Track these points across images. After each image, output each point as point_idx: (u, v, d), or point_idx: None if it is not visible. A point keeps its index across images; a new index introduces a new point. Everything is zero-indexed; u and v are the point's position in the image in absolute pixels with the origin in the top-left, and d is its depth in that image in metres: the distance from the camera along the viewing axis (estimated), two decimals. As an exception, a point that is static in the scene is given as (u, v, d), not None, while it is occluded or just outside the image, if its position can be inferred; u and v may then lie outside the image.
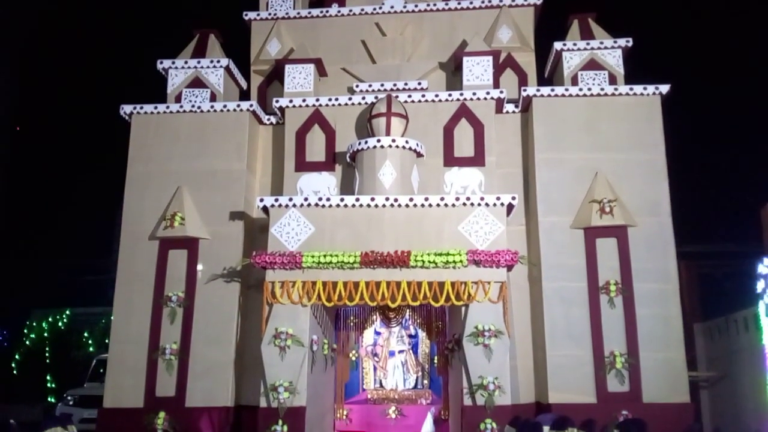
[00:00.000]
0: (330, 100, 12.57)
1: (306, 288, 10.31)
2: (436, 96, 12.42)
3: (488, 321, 9.96)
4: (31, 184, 35.56)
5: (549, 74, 13.50)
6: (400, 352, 14.25)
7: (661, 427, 8.09)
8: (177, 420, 10.84)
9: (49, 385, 20.49)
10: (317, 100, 12.59)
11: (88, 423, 12.90)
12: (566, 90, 12.08)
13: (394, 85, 12.86)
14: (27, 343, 21.48)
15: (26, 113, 36.89)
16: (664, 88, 11.92)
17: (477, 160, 12.09)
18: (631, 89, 11.97)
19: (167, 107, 12.58)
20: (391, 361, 14.23)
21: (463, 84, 12.58)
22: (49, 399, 20.04)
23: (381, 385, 14.20)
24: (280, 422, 9.87)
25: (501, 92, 12.32)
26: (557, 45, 12.71)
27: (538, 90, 12.18)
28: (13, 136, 36.66)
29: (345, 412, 13.71)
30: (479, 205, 10.54)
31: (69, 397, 15.61)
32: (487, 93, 12.29)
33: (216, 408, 11.01)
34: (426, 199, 10.60)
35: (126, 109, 12.59)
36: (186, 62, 13.00)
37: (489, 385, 9.74)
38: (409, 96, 12.42)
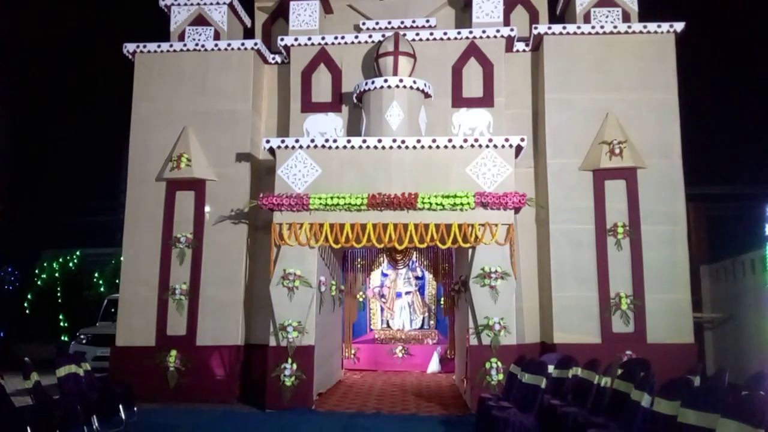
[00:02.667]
0: (336, 38, 12.30)
1: (313, 230, 10.32)
2: (445, 34, 12.12)
3: (495, 263, 9.98)
4: (38, 126, 35.40)
5: (561, 11, 13.11)
6: (407, 293, 14.42)
7: (665, 367, 8.17)
8: (188, 358, 11.07)
9: (61, 324, 20.86)
10: (323, 38, 12.31)
11: (101, 361, 13.17)
12: (578, 28, 11.76)
13: (402, 22, 12.55)
14: (39, 283, 21.75)
15: (29, 54, 36.40)
16: (679, 26, 11.59)
17: (486, 100, 11.89)
18: (645, 27, 11.64)
19: (170, 46, 12.35)
20: (398, 302, 14.41)
21: (473, 21, 12.26)
22: (62, 338, 20.43)
23: (388, 326, 14.43)
24: (290, 360, 10.05)
25: (511, 30, 12.01)
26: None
27: (549, 28, 11.85)
28: (16, 78, 36.28)
29: (353, 351, 13.98)
30: (487, 146, 10.41)
31: (82, 336, 15.90)
32: (497, 31, 11.98)
33: (226, 347, 11.22)
34: (433, 141, 10.48)
35: (129, 47, 12.36)
36: (189, -1, 12.68)
37: (495, 326, 9.85)
38: (417, 34, 12.12)
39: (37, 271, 22.07)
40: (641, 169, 11.16)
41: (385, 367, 13.86)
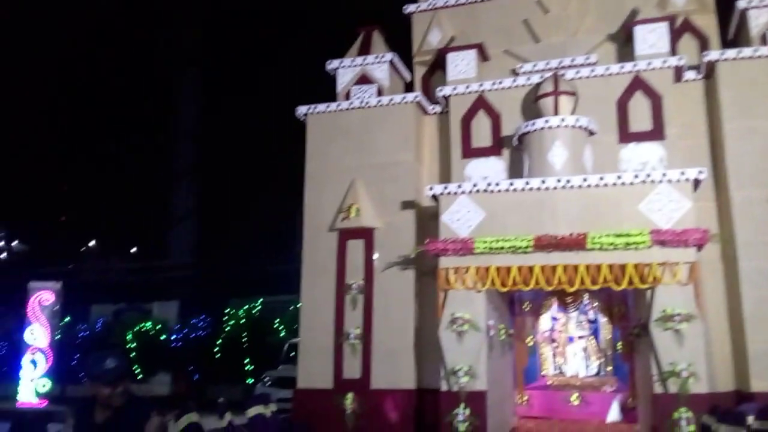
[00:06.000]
0: (494, 84, 12.45)
1: (479, 273, 10.33)
2: (607, 69, 11.82)
3: (678, 304, 9.32)
4: (222, 186, 39.16)
5: (733, 36, 12.32)
6: (580, 337, 13.79)
7: None
8: (364, 401, 11.41)
9: (247, 367, 22.38)
10: (480, 85, 12.52)
11: (283, 402, 13.94)
12: (755, 51, 10.95)
13: (560, 62, 12.44)
14: (227, 329, 23.62)
15: (210, 123, 40.68)
16: None
17: (655, 133, 11.36)
18: (835, 41, 10.57)
19: (338, 105, 13.20)
20: (570, 347, 13.83)
21: (636, 54, 11.85)
22: (247, 380, 21.89)
23: (561, 372, 13.86)
24: (462, 406, 10.02)
25: (679, 59, 11.45)
26: (741, 3, 11.56)
27: (722, 53, 11.16)
28: (200, 143, 40.63)
29: (525, 398, 13.59)
30: (661, 181, 9.88)
31: (266, 379, 16.95)
32: (664, 61, 11.48)
33: (399, 391, 11.43)
34: (601, 179, 10.14)
35: (301, 110, 13.40)
36: (353, 60, 13.54)
37: (682, 373, 9.12)
38: (577, 72, 11.95)
39: (225, 319, 24.01)
40: None
41: (560, 415, 13.26)
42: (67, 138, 44.02)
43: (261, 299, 24.03)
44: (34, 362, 17.58)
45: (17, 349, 19.82)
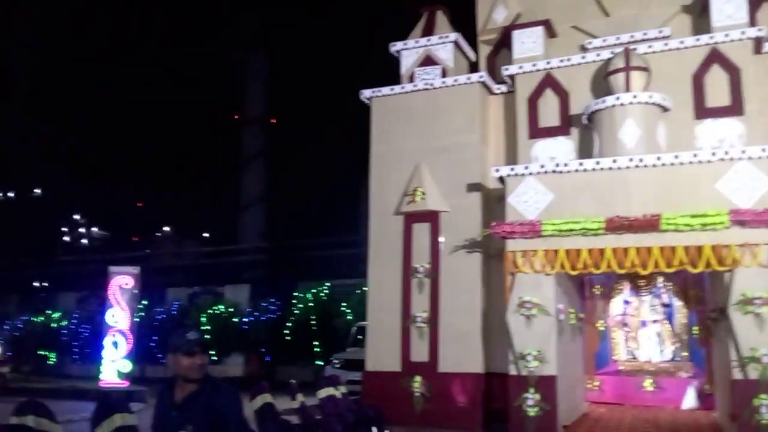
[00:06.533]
0: (562, 61, 12.12)
1: (548, 256, 10.15)
2: (681, 43, 11.32)
3: (759, 287, 8.90)
4: (288, 173, 39.81)
5: (821, 0, 11.54)
6: (654, 322, 13.40)
7: None
8: (431, 384, 11.45)
9: (316, 349, 22.77)
10: (548, 62, 12.21)
11: (352, 384, 14.12)
12: None
13: (632, 36, 12.01)
14: (296, 312, 24.07)
15: (276, 109, 41.35)
16: None
17: (734, 109, 10.82)
18: None
19: (402, 88, 13.14)
20: (643, 331, 13.46)
21: (713, 26, 11.29)
22: (317, 362, 22.26)
23: (633, 357, 13.52)
24: (532, 390, 9.92)
25: (759, 30, 10.84)
26: (830, -35, 10.80)
27: (808, 20, 10.49)
28: (269, 128, 41.41)
29: (596, 383, 13.33)
30: (740, 159, 9.42)
31: (335, 361, 17.21)
32: (743, 33, 10.90)
33: (468, 374, 11.42)
34: (676, 157, 9.76)
35: (365, 93, 13.42)
36: (416, 42, 13.44)
37: (763, 358, 8.75)
38: (650, 46, 11.49)
39: (294, 302, 24.45)
40: None
41: (632, 401, 12.97)
42: (141, 129, 45.71)
43: (328, 283, 24.35)
44: (115, 344, 18.41)
45: (99, 331, 20.79)
